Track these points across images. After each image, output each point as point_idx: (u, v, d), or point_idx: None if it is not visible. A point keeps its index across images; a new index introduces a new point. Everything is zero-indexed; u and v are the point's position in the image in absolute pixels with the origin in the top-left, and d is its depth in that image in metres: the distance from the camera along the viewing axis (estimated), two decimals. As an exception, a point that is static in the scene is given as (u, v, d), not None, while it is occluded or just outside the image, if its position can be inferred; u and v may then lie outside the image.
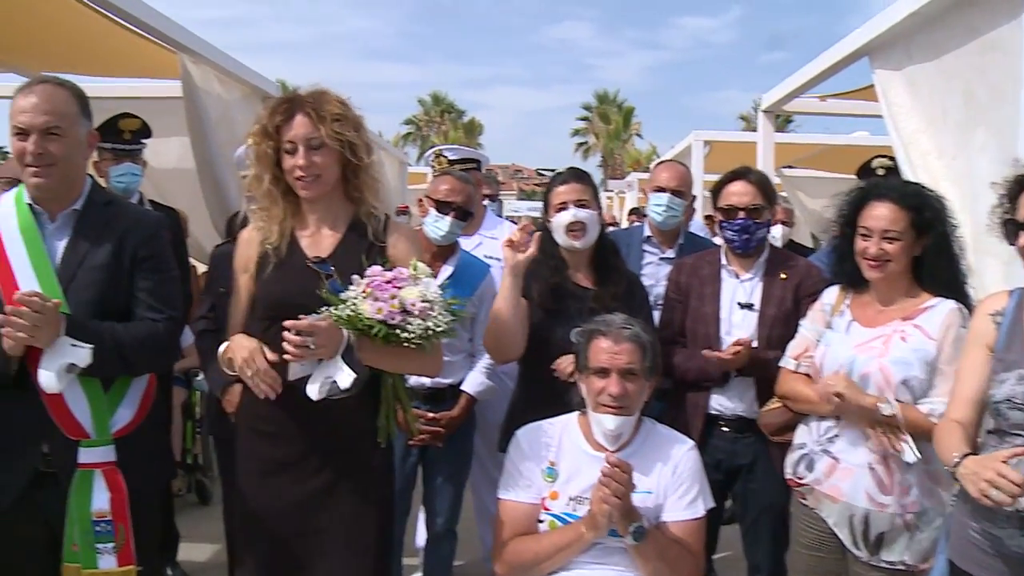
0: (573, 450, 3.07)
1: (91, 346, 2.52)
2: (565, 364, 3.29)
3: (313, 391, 2.58)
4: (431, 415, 3.83)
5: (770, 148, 6.65)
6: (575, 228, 3.50)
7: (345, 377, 2.56)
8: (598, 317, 3.14)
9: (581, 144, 57.38)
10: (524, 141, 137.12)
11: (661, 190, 4.38)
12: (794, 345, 3.26)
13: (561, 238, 3.54)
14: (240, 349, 2.67)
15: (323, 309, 2.62)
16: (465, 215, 4.08)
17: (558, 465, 3.05)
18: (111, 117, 4.55)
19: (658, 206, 4.36)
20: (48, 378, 2.51)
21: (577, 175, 3.67)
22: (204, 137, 5.23)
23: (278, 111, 2.74)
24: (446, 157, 5.15)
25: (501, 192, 12.32)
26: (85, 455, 2.65)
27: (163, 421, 2.97)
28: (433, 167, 4.96)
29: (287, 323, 2.54)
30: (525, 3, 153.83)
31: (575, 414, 3.14)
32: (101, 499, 2.64)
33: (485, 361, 4.05)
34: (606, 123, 55.30)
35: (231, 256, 3.85)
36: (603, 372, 2.97)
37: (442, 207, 3.99)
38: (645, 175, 12.26)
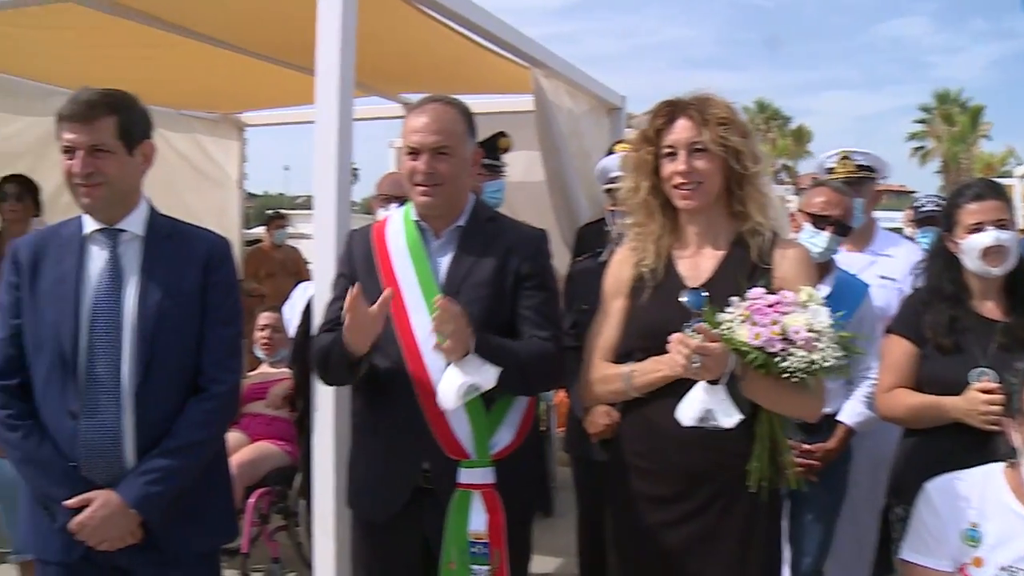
0: (1001, 510, 2.58)
1: (499, 369, 2.48)
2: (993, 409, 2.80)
3: (689, 418, 2.41)
4: (805, 446, 3.55)
5: None
6: (995, 253, 3.00)
7: (728, 416, 2.36)
8: None
9: (918, 149, 53.60)
10: (855, 147, 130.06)
11: None
12: None
13: (974, 263, 3.04)
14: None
15: (686, 328, 2.44)
16: (844, 230, 3.73)
17: (982, 527, 2.59)
18: (492, 135, 4.67)
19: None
20: (448, 394, 2.50)
21: (993, 189, 3.14)
22: (555, 150, 5.27)
23: (659, 115, 2.60)
24: (854, 161, 4.67)
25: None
26: (464, 475, 2.64)
27: (539, 445, 2.92)
28: (830, 170, 4.49)
29: (674, 336, 2.38)
30: (853, 2, 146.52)
31: (999, 466, 2.66)
32: (478, 521, 2.61)
33: (865, 389, 3.65)
34: (949, 124, 51.28)
35: (591, 272, 3.85)
36: None
37: (818, 221, 3.66)
38: (1006, 181, 11.10)
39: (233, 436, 4.63)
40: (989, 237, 2.98)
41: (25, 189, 5.26)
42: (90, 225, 2.62)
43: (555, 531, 5.08)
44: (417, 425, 2.64)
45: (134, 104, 2.64)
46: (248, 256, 8.69)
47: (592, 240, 4.50)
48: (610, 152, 4.56)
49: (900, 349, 3.14)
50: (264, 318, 5.31)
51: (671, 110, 2.58)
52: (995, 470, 2.66)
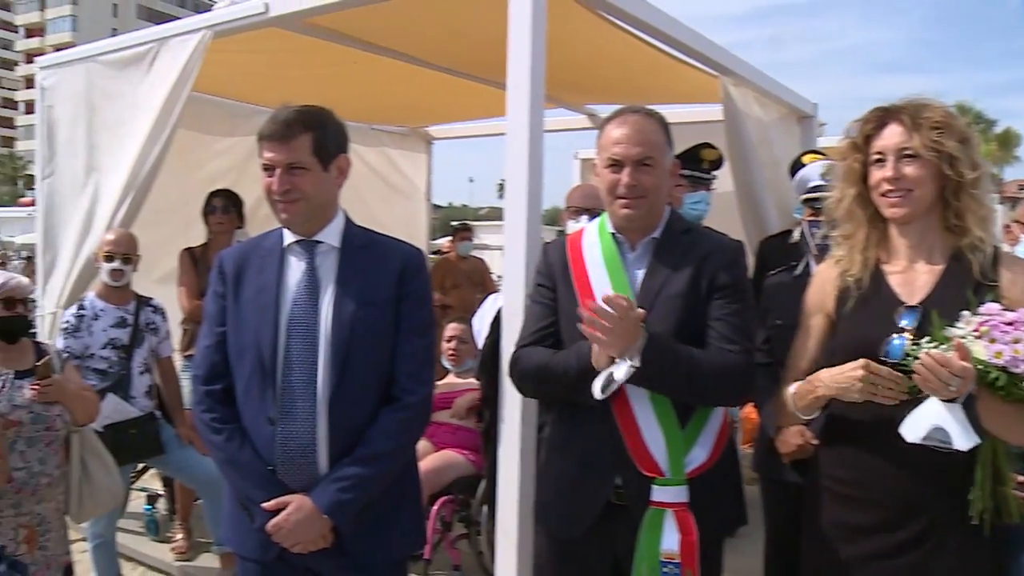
0: None
1: (635, 364, 2.41)
2: None
3: (915, 435, 2.21)
4: (1021, 478, 3.29)
5: None
6: None
7: (965, 438, 2.16)
8: None
9: None
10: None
11: None
12: None
13: None
14: (841, 374, 2.38)
15: (895, 340, 2.29)
16: None
17: None
18: (693, 146, 4.58)
19: None
20: (596, 386, 2.47)
21: None
22: (745, 160, 5.16)
23: (869, 121, 2.47)
24: None
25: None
26: (658, 493, 2.57)
27: (735, 463, 2.83)
28: None
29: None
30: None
31: None
32: (671, 540, 2.54)
33: None
34: None
35: (785, 286, 3.72)
36: None
37: None
38: None
39: (419, 444, 4.72)
40: None
41: (230, 202, 5.58)
42: (289, 237, 2.72)
43: (738, 552, 4.92)
44: (611, 440, 2.60)
45: (330, 120, 2.71)
46: (434, 267, 8.87)
47: (775, 253, 4.36)
48: (798, 162, 4.41)
49: None
50: (451, 329, 5.40)
51: (882, 116, 2.45)
52: None
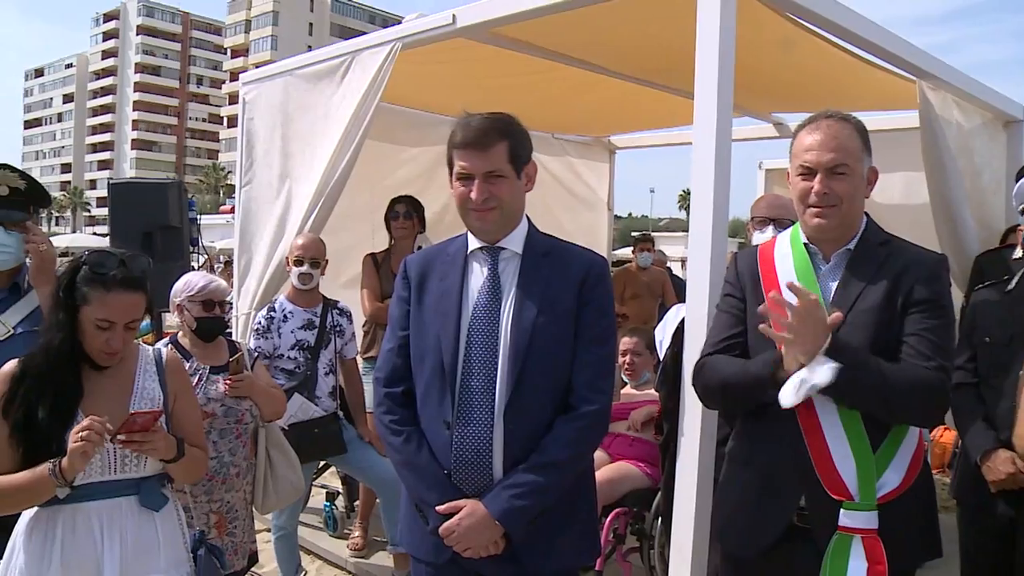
0: None
1: (836, 365, 2.31)
2: None
3: (787, 395, 2.20)
4: None
5: None
6: None
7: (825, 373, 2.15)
8: None
9: None
10: None
11: None
12: None
13: None
14: None
15: None
16: None
17: None
18: None
19: None
20: (786, 391, 2.37)
21: None
22: (942, 169, 4.88)
23: None
24: None
25: None
26: (846, 518, 2.45)
27: (931, 489, 2.65)
28: None
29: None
30: None
31: None
32: (858, 568, 2.41)
33: None
34: None
35: (994, 303, 3.48)
36: None
37: None
38: None
39: (595, 454, 4.68)
40: None
41: (412, 208, 5.72)
42: (473, 243, 2.73)
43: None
44: (798, 460, 2.50)
45: (519, 127, 2.70)
46: (614, 277, 8.84)
47: (994, 270, 4.09)
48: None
49: None
50: (624, 343, 5.33)
51: None
52: None
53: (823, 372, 2.31)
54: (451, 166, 2.66)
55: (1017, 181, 3.99)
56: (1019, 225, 3.96)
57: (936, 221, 5.02)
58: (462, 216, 2.68)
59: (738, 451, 2.75)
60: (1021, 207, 3.77)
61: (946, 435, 6.58)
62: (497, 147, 2.59)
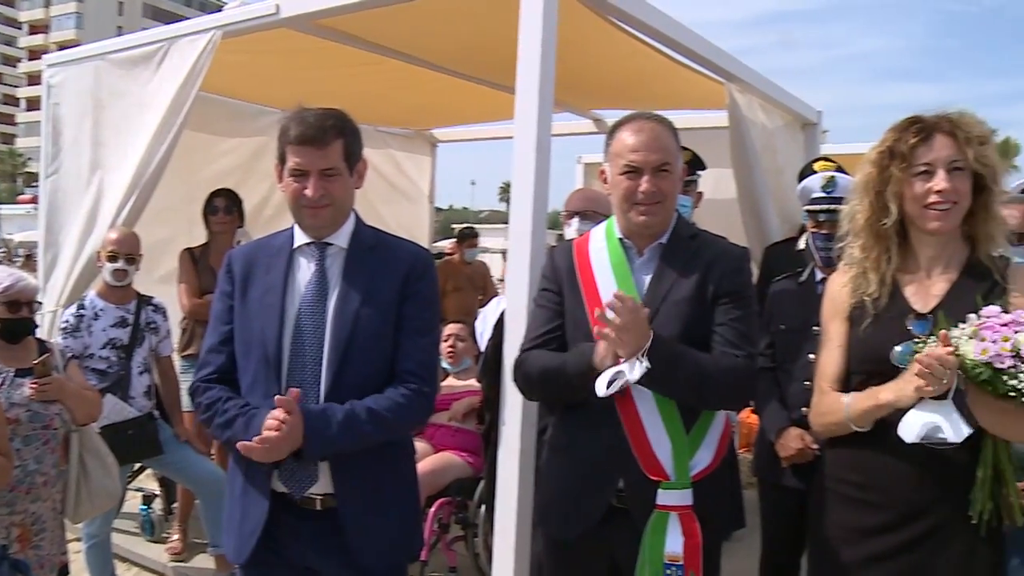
0: None
1: (647, 365, 2.42)
2: None
3: (913, 434, 2.26)
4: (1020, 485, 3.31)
5: None
6: None
7: (957, 430, 2.22)
8: None
9: None
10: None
11: None
12: None
13: None
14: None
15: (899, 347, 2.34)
16: None
17: None
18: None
19: None
20: (601, 384, 2.48)
21: None
22: (748, 166, 5.18)
23: (910, 132, 2.45)
24: None
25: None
26: (663, 496, 2.58)
27: (735, 466, 2.84)
28: None
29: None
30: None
31: None
32: (675, 543, 2.55)
33: None
34: None
35: (790, 293, 3.74)
36: None
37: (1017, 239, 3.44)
38: None
39: (418, 446, 4.72)
40: None
41: (232, 202, 5.57)
42: (300, 238, 2.71)
43: (732, 555, 4.91)
44: (616, 444, 2.61)
45: (354, 125, 2.70)
46: (438, 269, 8.83)
47: (781, 260, 4.37)
48: (808, 169, 4.41)
49: None
50: (449, 328, 5.40)
51: (923, 127, 2.45)
52: None
53: (639, 369, 2.42)
54: (283, 161, 2.63)
55: (800, 181, 4.29)
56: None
57: (743, 215, 5.33)
58: (293, 212, 2.66)
59: (558, 438, 2.84)
60: (804, 207, 4.05)
61: (752, 416, 6.96)
62: (334, 145, 2.58)
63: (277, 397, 2.45)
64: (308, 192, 2.57)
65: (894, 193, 2.47)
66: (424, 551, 4.52)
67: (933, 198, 2.39)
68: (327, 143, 2.56)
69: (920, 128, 2.43)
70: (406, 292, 2.67)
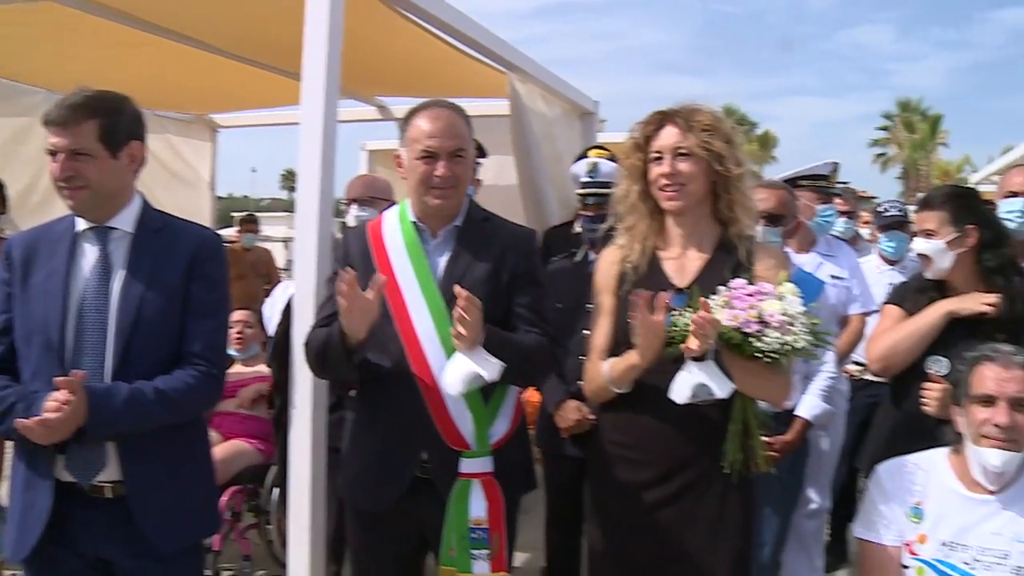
0: (943, 490, 2.82)
1: (502, 363, 2.57)
2: (935, 395, 3.06)
3: (682, 396, 2.55)
4: (763, 439, 3.67)
5: None
6: (923, 259, 3.35)
7: (721, 386, 2.53)
8: (984, 345, 2.86)
9: (880, 155, 54.42)
10: (817, 153, 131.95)
11: (1014, 195, 4.07)
12: None
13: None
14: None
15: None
16: (777, 220, 3.96)
17: (925, 506, 2.82)
18: None
19: (1011, 212, 4.03)
20: (454, 381, 2.59)
21: (934, 198, 3.41)
22: (528, 154, 5.35)
23: (650, 123, 2.76)
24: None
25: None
26: (466, 465, 2.74)
27: (526, 433, 3.04)
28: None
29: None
30: (818, 10, 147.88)
31: (945, 450, 2.89)
32: (479, 507, 2.71)
33: (821, 383, 3.86)
34: (910, 132, 52.05)
35: (566, 272, 3.95)
36: (988, 400, 2.71)
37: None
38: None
39: (207, 434, 4.65)
40: (916, 245, 3.36)
41: (-5, 188, 5.22)
42: (82, 224, 2.66)
43: (523, 526, 5.13)
44: (418, 417, 2.74)
45: (121, 107, 2.66)
46: (220, 257, 8.60)
47: (560, 242, 4.60)
48: (583, 156, 4.65)
49: (893, 312, 3.45)
50: (236, 315, 5.33)
51: (660, 118, 2.75)
52: (940, 454, 2.89)
53: (492, 366, 2.56)
54: None
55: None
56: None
57: (523, 200, 5.50)
58: (58, 193, 2.63)
59: (361, 414, 2.93)
60: (577, 191, 4.31)
61: (536, 395, 7.20)
62: (85, 125, 2.55)
63: (58, 379, 2.40)
64: (55, 172, 2.55)
65: (645, 178, 2.75)
66: (216, 540, 4.48)
67: (663, 181, 2.69)
68: (75, 124, 2.54)
69: (657, 120, 2.74)
70: (192, 274, 2.67)
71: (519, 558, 5.17)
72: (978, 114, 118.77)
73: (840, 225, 5.54)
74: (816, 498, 4.45)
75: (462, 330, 2.52)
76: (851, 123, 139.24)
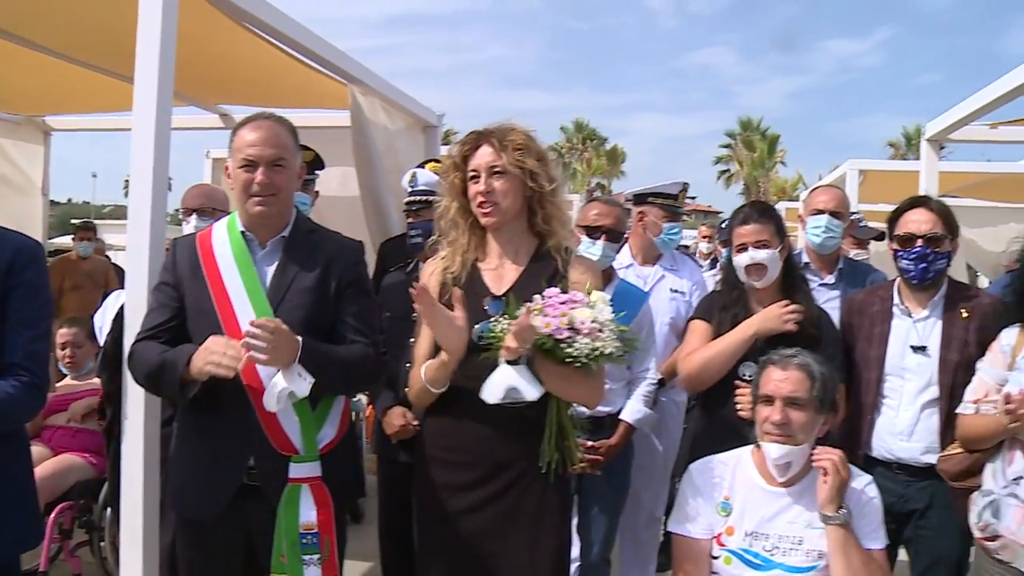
0: (747, 484, 3.06)
1: (312, 380, 2.63)
2: (745, 400, 3.33)
3: (494, 396, 2.67)
4: (589, 443, 3.84)
5: (934, 178, 6.31)
6: (755, 269, 3.57)
7: (532, 389, 2.66)
8: (774, 350, 3.14)
9: (724, 172, 56.55)
10: (665, 169, 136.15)
11: (819, 212, 4.38)
12: (973, 389, 3.15)
13: (742, 276, 3.61)
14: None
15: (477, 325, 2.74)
16: (616, 236, 4.14)
17: (732, 499, 3.05)
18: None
19: (816, 228, 4.36)
20: (269, 398, 2.65)
21: (759, 212, 3.68)
22: (370, 166, 5.41)
23: (466, 143, 2.89)
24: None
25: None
26: (295, 470, 2.78)
27: (354, 439, 3.12)
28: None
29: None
30: (666, 30, 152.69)
31: (749, 448, 3.13)
32: (308, 513, 2.76)
33: (643, 389, 4.07)
34: (750, 150, 54.31)
35: (400, 283, 4.02)
36: (769, 400, 2.99)
37: (592, 232, 4.07)
38: (792, 204, 12.02)
39: (35, 450, 4.50)
40: (747, 257, 3.56)
41: None
42: None
43: (363, 537, 5.15)
44: (246, 425, 2.77)
45: None
46: (52, 267, 8.16)
47: (395, 254, 4.67)
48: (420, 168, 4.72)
49: (700, 328, 3.69)
50: (61, 335, 5.15)
51: (477, 138, 2.89)
52: (746, 452, 3.14)
53: (304, 383, 2.63)
54: None
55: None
56: None
57: (365, 211, 5.56)
58: None
59: (187, 423, 2.93)
60: (404, 200, 4.42)
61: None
62: None
63: None
64: None
65: (465, 195, 2.89)
66: (43, 561, 4.35)
67: (479, 198, 2.83)
68: None
69: (473, 140, 2.89)
70: (9, 284, 2.61)
71: (357, 568, 5.21)
72: (811, 135, 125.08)
73: (704, 247, 5.77)
74: (652, 506, 4.67)
75: (260, 357, 2.55)
76: (697, 140, 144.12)
